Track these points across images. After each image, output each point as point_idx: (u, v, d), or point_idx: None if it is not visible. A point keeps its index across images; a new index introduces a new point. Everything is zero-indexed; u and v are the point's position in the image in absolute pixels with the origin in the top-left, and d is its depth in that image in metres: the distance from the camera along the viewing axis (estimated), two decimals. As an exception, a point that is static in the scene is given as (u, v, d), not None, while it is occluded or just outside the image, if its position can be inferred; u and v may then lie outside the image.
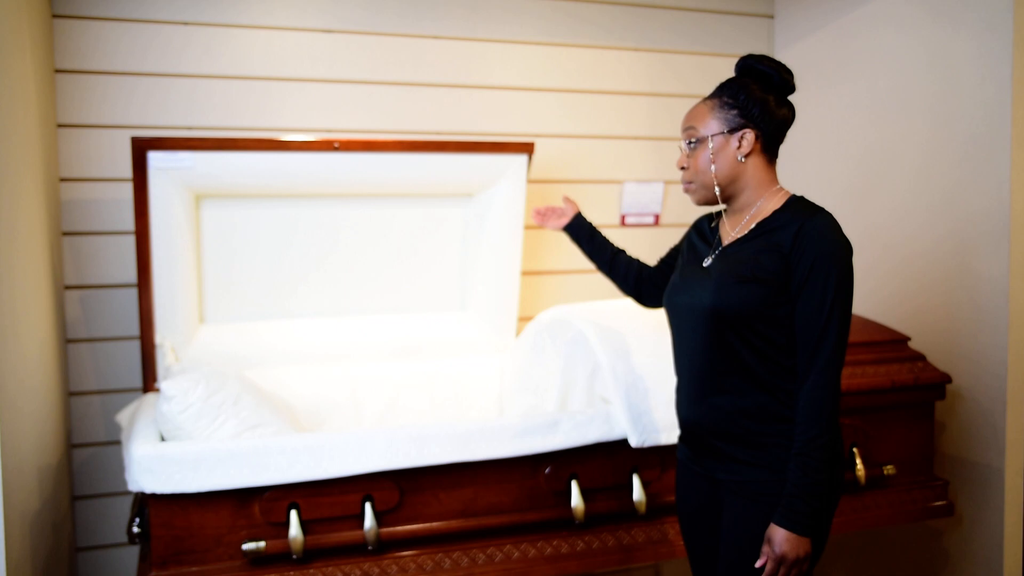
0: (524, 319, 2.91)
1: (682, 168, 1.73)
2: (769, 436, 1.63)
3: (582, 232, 2.16)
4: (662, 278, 1.98)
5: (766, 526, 1.61)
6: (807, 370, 1.59)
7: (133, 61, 2.55)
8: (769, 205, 1.67)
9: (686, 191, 1.74)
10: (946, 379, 2.39)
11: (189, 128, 2.61)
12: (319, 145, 2.38)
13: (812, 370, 1.58)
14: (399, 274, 2.67)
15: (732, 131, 1.66)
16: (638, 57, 3.08)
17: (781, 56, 3.21)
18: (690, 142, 1.70)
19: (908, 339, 2.46)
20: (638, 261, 2.06)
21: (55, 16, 2.48)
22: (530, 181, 2.80)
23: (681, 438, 1.82)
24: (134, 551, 2.59)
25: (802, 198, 1.68)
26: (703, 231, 1.82)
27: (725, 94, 1.68)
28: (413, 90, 2.83)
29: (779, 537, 1.56)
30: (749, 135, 1.65)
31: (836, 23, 2.97)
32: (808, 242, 1.58)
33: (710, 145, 1.67)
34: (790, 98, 1.74)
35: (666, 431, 2.07)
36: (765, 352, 1.62)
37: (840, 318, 1.58)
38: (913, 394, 2.35)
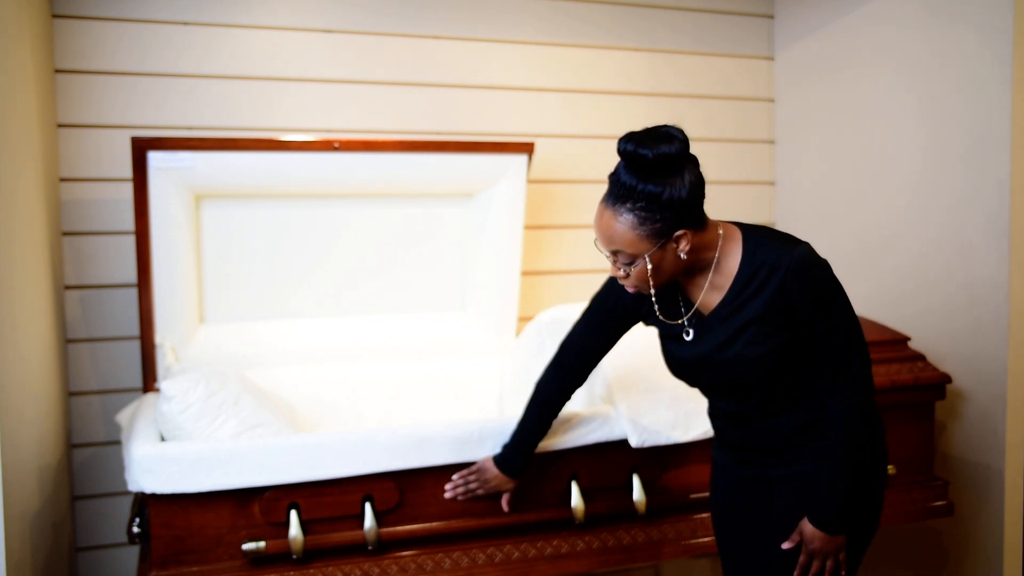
0: (524, 319, 2.90)
1: (622, 279, 1.59)
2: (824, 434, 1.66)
3: (526, 458, 1.94)
4: (596, 358, 1.86)
5: None
6: (837, 384, 1.60)
7: (133, 61, 2.55)
8: (730, 260, 1.59)
9: (635, 292, 1.62)
10: (946, 379, 2.39)
11: (189, 128, 2.61)
12: (319, 145, 2.38)
13: (842, 382, 1.60)
14: (399, 274, 2.67)
15: (665, 242, 1.52)
16: (638, 57, 3.08)
17: (781, 56, 3.21)
18: (624, 264, 1.56)
19: (908, 339, 2.46)
20: (564, 388, 1.90)
21: (55, 16, 2.48)
22: (530, 181, 2.80)
23: (721, 447, 1.82)
24: (134, 551, 2.59)
25: (754, 231, 1.60)
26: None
27: (638, 208, 1.49)
28: (413, 90, 2.83)
29: (810, 533, 1.63)
30: (685, 236, 1.53)
31: (836, 23, 2.97)
32: (802, 282, 1.53)
33: (648, 265, 1.53)
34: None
35: (666, 431, 2.07)
36: (803, 382, 1.63)
37: (856, 334, 1.59)
38: (913, 394, 2.35)
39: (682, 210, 1.50)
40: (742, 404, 1.68)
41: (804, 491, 1.66)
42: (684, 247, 1.54)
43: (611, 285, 1.78)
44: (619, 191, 1.51)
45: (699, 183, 1.52)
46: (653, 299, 1.68)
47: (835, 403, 1.60)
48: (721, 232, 1.60)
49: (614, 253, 1.56)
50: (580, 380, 1.90)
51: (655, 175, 1.48)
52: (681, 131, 1.50)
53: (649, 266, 1.53)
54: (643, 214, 1.49)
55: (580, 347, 1.86)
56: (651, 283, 1.56)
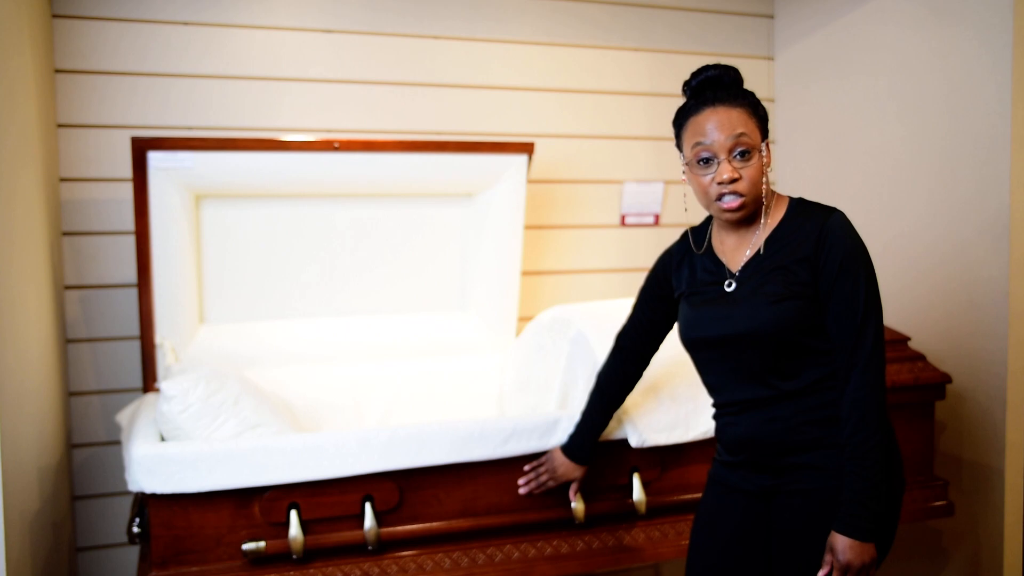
0: (524, 319, 2.90)
1: (732, 180, 1.57)
2: (835, 437, 1.59)
3: (592, 446, 1.97)
4: (649, 334, 1.88)
5: (827, 530, 1.57)
6: (848, 372, 1.56)
7: (133, 61, 2.55)
8: (774, 215, 1.63)
9: (732, 208, 1.58)
10: (946, 379, 2.39)
11: (189, 128, 2.61)
12: (319, 145, 2.38)
13: (854, 371, 1.55)
14: (399, 274, 2.67)
15: (766, 141, 1.62)
16: (638, 57, 3.08)
17: (781, 56, 3.21)
18: (742, 152, 1.57)
19: (908, 339, 2.46)
20: (625, 372, 1.92)
21: (55, 16, 2.48)
22: (530, 181, 2.80)
23: (724, 461, 1.75)
24: (134, 551, 2.59)
25: (802, 199, 1.66)
26: (686, 260, 1.74)
27: (748, 101, 1.62)
28: (413, 90, 2.83)
29: (842, 545, 1.52)
30: (768, 147, 1.62)
31: (836, 23, 2.97)
32: (833, 243, 1.55)
33: (762, 155, 1.59)
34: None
35: (666, 431, 2.07)
36: (817, 360, 1.59)
37: (875, 315, 1.55)
38: (913, 394, 2.35)
39: (767, 122, 1.63)
40: (747, 379, 1.63)
41: (805, 508, 1.61)
42: (768, 160, 1.61)
43: (660, 259, 1.82)
44: (728, 91, 1.62)
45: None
46: (701, 244, 1.72)
47: (846, 399, 1.55)
48: (774, 193, 1.66)
49: (737, 138, 1.57)
50: (638, 361, 1.91)
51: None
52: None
53: (765, 156, 1.60)
54: (752, 108, 1.61)
55: (630, 325, 1.90)
56: (752, 189, 1.58)
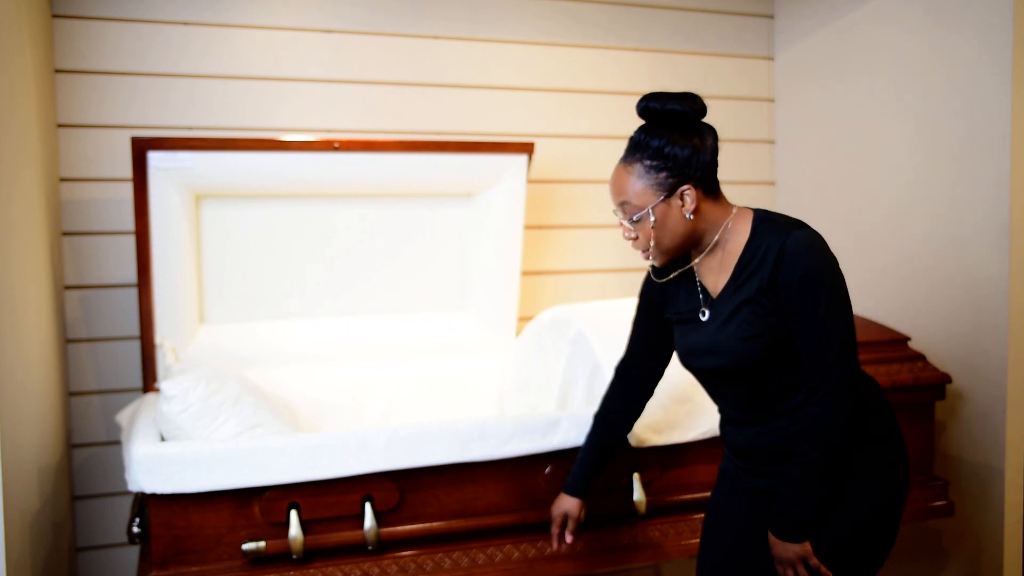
0: (524, 319, 2.90)
1: (631, 239, 1.61)
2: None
3: (587, 479, 1.91)
4: (653, 359, 1.82)
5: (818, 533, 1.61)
6: (815, 386, 1.55)
7: (133, 61, 2.55)
8: (738, 238, 1.59)
9: (646, 259, 1.63)
10: (946, 379, 2.39)
11: (189, 128, 2.61)
12: (319, 145, 2.38)
13: (818, 389, 1.55)
14: (399, 274, 2.67)
15: (670, 195, 1.55)
16: (638, 57, 3.08)
17: (781, 56, 3.21)
18: (630, 218, 1.58)
19: (908, 339, 2.46)
20: (630, 401, 1.86)
21: (55, 16, 2.48)
22: (530, 181, 2.80)
23: (730, 459, 1.79)
24: (134, 551, 2.59)
25: (767, 215, 1.60)
26: (671, 280, 1.71)
27: (646, 156, 1.55)
28: (413, 90, 2.83)
29: (771, 540, 1.63)
30: (690, 192, 1.55)
31: (836, 23, 2.97)
32: (789, 266, 1.51)
33: (651, 217, 1.56)
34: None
35: (666, 431, 2.07)
36: (797, 380, 1.60)
37: (838, 334, 1.52)
38: (913, 394, 2.35)
39: (687, 166, 1.54)
40: (747, 401, 1.66)
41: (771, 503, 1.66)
42: (690, 205, 1.55)
43: (645, 282, 1.79)
44: (631, 145, 1.59)
45: (711, 148, 1.57)
46: (666, 273, 1.68)
47: (810, 410, 1.56)
48: (735, 211, 1.62)
49: (621, 206, 1.59)
50: (642, 389, 1.85)
51: (664, 130, 1.55)
52: (699, 98, 1.56)
53: (652, 218, 1.56)
54: (649, 163, 1.55)
55: (630, 355, 1.84)
56: (659, 244, 1.58)
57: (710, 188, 1.59)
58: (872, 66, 2.83)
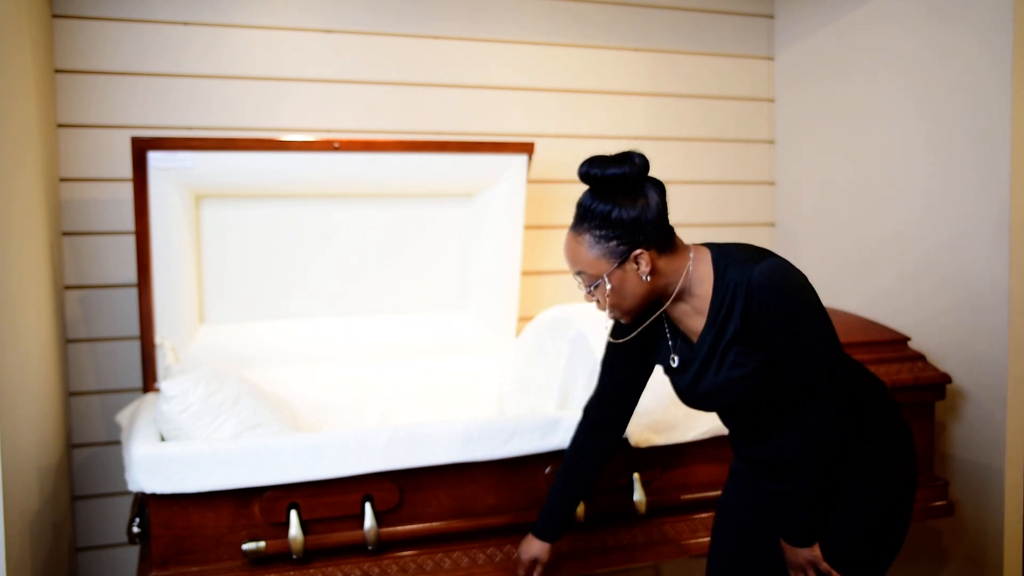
0: (524, 319, 2.90)
1: (592, 302, 1.62)
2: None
3: (556, 523, 1.88)
4: (619, 398, 1.81)
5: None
6: (813, 407, 1.58)
7: (133, 61, 2.55)
8: (704, 281, 1.59)
9: (612, 319, 1.65)
10: (946, 379, 2.39)
11: (189, 128, 2.61)
12: (319, 145, 2.38)
13: (818, 407, 1.57)
14: (399, 274, 2.67)
15: (624, 261, 1.54)
16: (638, 57, 3.08)
17: (781, 56, 3.21)
18: (588, 287, 1.59)
19: (908, 339, 2.46)
20: (596, 447, 1.85)
21: (55, 16, 2.48)
22: (530, 181, 2.80)
23: (739, 461, 1.84)
24: (134, 551, 2.59)
25: (722, 251, 1.59)
26: (644, 332, 1.70)
27: (593, 226, 1.54)
28: (413, 90, 2.83)
29: (782, 545, 1.67)
30: (643, 256, 1.54)
31: (836, 23, 2.97)
32: (761, 300, 1.51)
33: (608, 285, 1.56)
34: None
35: (666, 431, 2.07)
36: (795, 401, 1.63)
37: (830, 355, 1.55)
38: (913, 394, 2.35)
39: (636, 230, 1.53)
40: (750, 425, 1.69)
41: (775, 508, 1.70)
42: (644, 268, 1.54)
43: (612, 327, 1.78)
44: (578, 213, 1.58)
45: (657, 205, 1.54)
46: (631, 329, 1.69)
47: (810, 423, 1.58)
48: (692, 255, 1.60)
49: (578, 275, 1.60)
50: (610, 432, 1.84)
51: (607, 195, 1.53)
52: (641, 156, 1.54)
53: (608, 286, 1.56)
54: (598, 232, 1.54)
55: (598, 395, 1.83)
56: (620, 307, 1.59)
57: (663, 245, 1.57)
58: (872, 66, 2.83)
